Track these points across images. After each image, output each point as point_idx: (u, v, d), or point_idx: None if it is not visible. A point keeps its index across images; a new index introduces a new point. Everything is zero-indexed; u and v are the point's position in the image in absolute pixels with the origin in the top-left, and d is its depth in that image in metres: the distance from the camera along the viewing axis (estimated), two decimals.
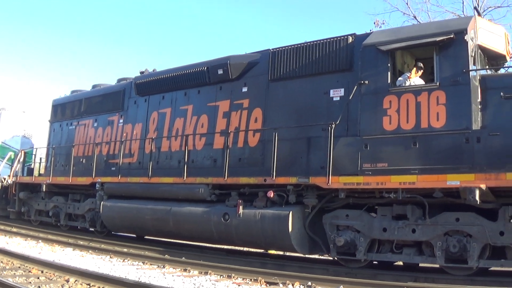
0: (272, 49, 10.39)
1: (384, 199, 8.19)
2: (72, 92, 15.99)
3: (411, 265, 8.81)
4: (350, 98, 8.61)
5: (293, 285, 7.39)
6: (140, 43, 72.55)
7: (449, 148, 7.57)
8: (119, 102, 13.68)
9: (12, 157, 16.81)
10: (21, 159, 16.30)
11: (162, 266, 8.89)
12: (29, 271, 7.70)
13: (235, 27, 71.22)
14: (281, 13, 67.48)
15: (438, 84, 7.79)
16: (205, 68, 11.42)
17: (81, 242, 11.90)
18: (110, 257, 9.88)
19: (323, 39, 9.58)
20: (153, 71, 13.44)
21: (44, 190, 14.75)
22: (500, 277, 7.54)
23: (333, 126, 8.60)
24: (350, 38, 9.19)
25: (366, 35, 9.00)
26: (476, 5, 17.98)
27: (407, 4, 19.82)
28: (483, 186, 7.11)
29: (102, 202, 12.81)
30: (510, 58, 8.97)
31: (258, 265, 9.08)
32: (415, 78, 8.20)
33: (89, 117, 14.60)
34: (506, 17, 23.22)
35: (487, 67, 8.50)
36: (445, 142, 7.61)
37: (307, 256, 10.29)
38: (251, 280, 7.80)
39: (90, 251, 10.68)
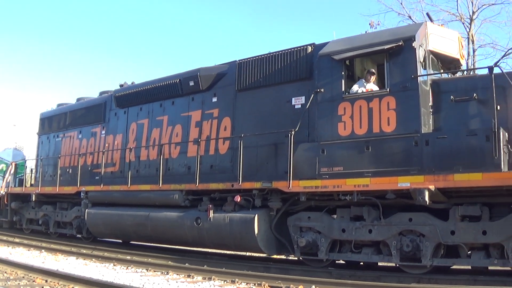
0: (239, 60, 10.40)
1: (342, 201, 8.18)
2: (58, 105, 15.97)
3: (370, 264, 8.77)
4: (308, 106, 8.61)
5: None
6: (128, 54, 72.70)
7: (399, 152, 7.58)
8: (101, 114, 13.67)
9: (4, 169, 16.76)
10: (12, 171, 16.25)
11: (165, 273, 8.64)
12: (33, 281, 7.49)
13: (231, 30, 71.26)
14: (275, 15, 67.60)
15: (388, 90, 7.80)
16: (178, 80, 11.42)
17: (84, 251, 11.62)
18: (114, 265, 9.61)
19: (285, 50, 9.60)
20: (132, 83, 13.43)
21: (33, 199, 14.72)
22: (503, 277, 7.38)
23: (293, 133, 8.60)
24: (310, 48, 9.21)
25: (324, 44, 9.00)
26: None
27: (401, 4, 19.23)
28: (432, 187, 7.11)
29: (86, 210, 12.80)
30: (463, 63, 8.93)
31: (261, 270, 8.82)
32: (370, 84, 8.18)
33: (74, 129, 14.58)
34: (500, 14, 21.97)
35: (436, 71, 8.48)
36: (395, 145, 7.62)
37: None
38: (255, 284, 7.61)
39: (93, 259, 10.36)
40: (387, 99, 7.76)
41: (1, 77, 65.58)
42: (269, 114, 9.59)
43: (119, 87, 13.66)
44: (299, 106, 9.10)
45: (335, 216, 8.58)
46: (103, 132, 13.52)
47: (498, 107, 7.08)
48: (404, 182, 7.36)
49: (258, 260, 10.48)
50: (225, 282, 7.84)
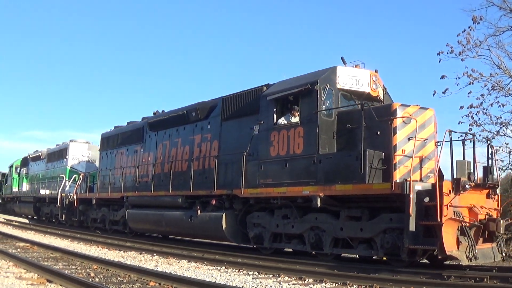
0: (223, 96, 13.90)
1: (273, 204, 11.36)
2: (115, 127, 20.56)
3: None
4: (254, 133, 11.89)
5: None
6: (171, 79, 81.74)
7: (304, 168, 10.62)
8: (141, 136, 17.88)
9: (77, 178, 21.73)
10: (81, 180, 21.18)
11: (277, 275, 8.96)
12: (147, 284, 7.66)
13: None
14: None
15: (299, 122, 10.87)
16: (185, 111, 15.21)
17: (196, 254, 12.17)
18: (225, 268, 10.00)
19: (250, 89, 12.94)
20: (162, 112, 17.50)
21: (94, 203, 19.40)
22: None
23: (245, 153, 11.93)
24: (265, 87, 12.46)
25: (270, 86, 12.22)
26: None
27: None
28: (321, 195, 10.06)
29: (127, 211, 17.06)
30: (377, 94, 11.47)
31: (372, 272, 8.99)
32: (295, 118, 11.25)
33: (123, 147, 18.98)
34: None
35: (350, 104, 11.18)
36: (302, 163, 10.66)
37: (414, 260, 9.72)
38: (366, 287, 7.79)
39: (205, 262, 10.82)
40: (298, 129, 10.83)
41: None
42: (240, 139, 12.91)
43: (152, 114, 17.82)
44: (257, 132, 12.38)
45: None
46: (142, 150, 17.71)
47: (379, 133, 9.87)
48: (306, 191, 10.40)
49: (368, 263, 10.51)
50: (337, 284, 8.08)
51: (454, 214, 8.75)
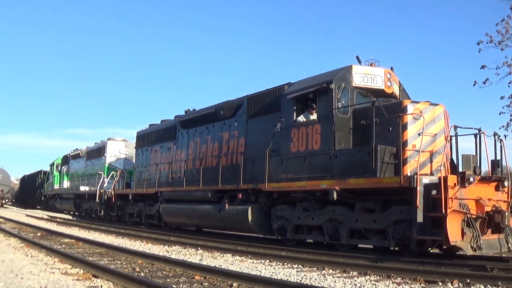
0: (248, 95, 15.06)
1: (293, 197, 12.44)
2: (150, 125, 22.09)
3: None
4: (276, 130, 12.98)
5: (451, 283, 7.59)
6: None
7: (321, 163, 11.63)
8: (173, 134, 19.28)
9: (114, 175, 23.44)
10: (118, 177, 22.86)
11: (321, 268, 9.22)
12: (192, 278, 7.85)
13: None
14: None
15: (317, 119, 11.89)
16: (214, 110, 16.46)
17: (240, 248, 12.48)
18: (269, 261, 10.26)
19: (273, 87, 14.03)
20: (193, 110, 18.81)
21: (130, 198, 21.01)
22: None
23: (268, 149, 13.04)
24: (286, 86, 13.52)
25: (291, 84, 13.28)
26: None
27: None
28: (337, 188, 11.06)
29: (161, 205, 18.52)
30: (392, 91, 12.32)
31: (416, 264, 9.23)
32: (312, 115, 12.27)
33: (157, 145, 20.45)
34: None
35: (366, 100, 12.07)
36: (320, 159, 11.68)
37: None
38: (410, 279, 7.98)
39: (249, 256, 11.11)
40: (316, 126, 11.86)
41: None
42: (264, 135, 14.03)
43: (184, 113, 19.18)
44: (279, 129, 13.47)
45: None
46: (174, 147, 19.10)
47: (390, 128, 10.78)
48: (323, 184, 11.42)
49: (410, 255, 10.36)
50: (381, 277, 8.27)
51: (460, 206, 9.56)
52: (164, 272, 8.47)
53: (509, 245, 10.24)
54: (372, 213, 10.96)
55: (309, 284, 7.53)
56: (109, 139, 26.64)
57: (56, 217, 27.51)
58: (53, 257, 10.29)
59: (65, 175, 33.28)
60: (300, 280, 7.91)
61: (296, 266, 9.64)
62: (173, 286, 7.00)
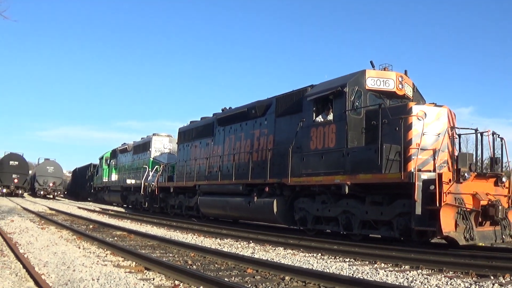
0: (277, 95, 16.99)
1: (312, 191, 14.32)
2: (191, 122, 24.43)
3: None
4: (298, 129, 14.87)
5: (503, 277, 7.78)
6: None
7: (336, 160, 13.42)
8: (211, 131, 21.50)
9: (158, 169, 26.01)
10: (161, 170, 25.41)
11: (373, 262, 9.49)
12: (244, 271, 8.08)
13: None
14: None
15: (332, 120, 13.68)
16: (246, 109, 18.51)
17: (291, 241, 12.90)
18: (321, 255, 10.55)
19: (297, 89, 15.90)
20: (229, 108, 20.94)
21: (172, 191, 23.49)
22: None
23: (291, 146, 14.95)
24: (309, 88, 15.36)
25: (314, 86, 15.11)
26: None
27: None
28: (348, 183, 12.83)
29: (199, 197, 20.84)
30: (403, 93, 13.90)
31: (468, 258, 9.59)
32: (329, 116, 14.06)
33: (197, 140, 22.75)
34: None
35: (379, 102, 13.73)
36: (334, 156, 13.47)
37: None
38: (462, 273, 8.21)
39: (301, 249, 11.49)
40: (332, 126, 13.65)
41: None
42: (289, 133, 15.93)
43: (221, 111, 21.36)
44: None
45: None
46: (212, 143, 21.32)
47: (397, 128, 12.43)
48: (337, 179, 13.20)
49: (461, 248, 11.13)
50: (433, 271, 8.55)
51: (455, 200, 11.14)
52: (216, 265, 8.78)
53: (503, 236, 11.68)
54: (380, 206, 12.67)
55: (362, 278, 7.68)
56: (154, 134, 29.30)
57: (108, 210, 29.09)
58: (105, 249, 10.71)
59: (113, 169, 36.45)
60: (353, 274, 8.12)
61: (348, 259, 9.99)
62: (225, 279, 7.11)
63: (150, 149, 29.01)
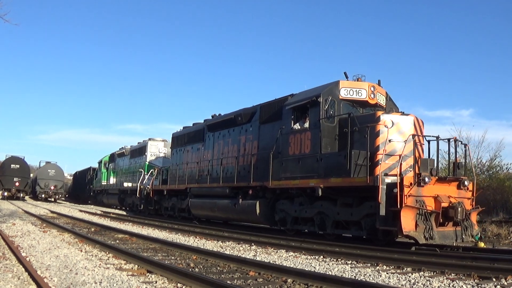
0: (261, 103, 18.07)
1: (290, 193, 15.38)
2: (184, 127, 25.52)
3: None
4: (278, 136, 15.94)
5: (505, 279, 7.86)
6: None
7: (311, 164, 14.47)
8: (202, 136, 22.59)
9: (153, 173, 27.13)
10: (156, 174, 26.52)
11: (375, 264, 9.62)
12: (247, 274, 8.15)
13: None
14: None
15: (308, 128, 14.74)
16: (233, 116, 19.59)
17: (293, 244, 13.11)
18: (323, 257, 10.69)
19: (278, 98, 16.98)
20: (218, 115, 22.03)
21: (165, 193, 24.61)
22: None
23: (272, 152, 16.02)
24: (289, 97, 16.43)
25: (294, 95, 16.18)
26: None
27: None
28: (321, 186, 13.89)
29: (190, 200, 21.95)
30: (375, 102, 14.93)
31: (469, 260, 9.74)
32: (306, 123, 15.11)
33: (189, 145, 23.86)
34: None
35: (353, 110, 14.79)
36: (310, 161, 14.52)
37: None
38: (464, 275, 8.33)
39: (303, 251, 11.65)
40: (307, 133, 14.71)
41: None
42: (271, 140, 16.99)
43: (211, 117, 22.45)
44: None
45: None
46: (202, 148, 22.41)
47: (365, 136, 13.45)
48: (311, 183, 14.27)
49: (464, 250, 11.70)
50: (435, 273, 8.68)
51: (416, 202, 12.16)
52: (218, 268, 8.84)
53: (464, 236, 12.68)
54: (350, 207, 13.72)
55: (364, 280, 7.75)
56: (150, 139, 30.48)
57: (109, 213, 29.45)
58: (107, 252, 10.78)
59: (111, 172, 37.64)
60: (355, 276, 8.17)
61: (350, 262, 10.13)
62: (228, 281, 7.14)
63: (146, 153, 30.16)
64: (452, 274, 8.55)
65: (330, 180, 13.74)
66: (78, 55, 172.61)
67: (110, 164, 38.55)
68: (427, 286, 7.54)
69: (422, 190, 12.31)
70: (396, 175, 12.68)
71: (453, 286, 7.59)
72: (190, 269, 8.51)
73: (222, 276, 7.99)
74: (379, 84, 15.35)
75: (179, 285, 7.23)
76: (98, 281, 7.34)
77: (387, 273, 8.60)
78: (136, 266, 8.93)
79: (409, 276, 8.29)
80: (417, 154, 13.57)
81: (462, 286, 7.56)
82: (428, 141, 13.95)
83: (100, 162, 41.19)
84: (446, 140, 13.60)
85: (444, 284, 7.68)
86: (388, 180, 12.47)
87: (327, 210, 14.30)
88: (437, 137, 13.09)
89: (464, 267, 8.93)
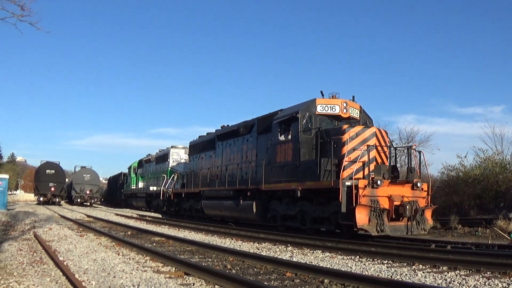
0: (258, 117, 21.38)
1: (278, 195, 18.65)
2: (199, 136, 29.06)
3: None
4: (269, 146, 19.22)
5: None
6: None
7: (292, 170, 17.66)
8: (213, 145, 26.08)
9: (175, 177, 30.77)
10: (176, 178, 30.15)
11: (411, 264, 9.72)
12: (283, 275, 8.26)
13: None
14: None
15: (290, 139, 17.96)
16: (237, 128, 22.98)
17: (329, 244, 13.40)
18: (359, 257, 10.79)
19: (270, 113, 20.25)
20: (227, 126, 25.46)
21: (183, 196, 28.24)
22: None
23: (264, 160, 19.31)
24: (279, 112, 19.67)
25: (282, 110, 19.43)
26: None
27: None
28: (300, 188, 17.07)
29: (202, 201, 25.48)
30: (348, 115, 17.99)
31: (504, 258, 9.82)
32: (289, 135, 18.31)
33: (203, 153, 27.39)
34: None
35: (328, 124, 17.88)
36: (291, 167, 17.72)
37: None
38: (499, 273, 8.38)
39: (339, 252, 11.79)
40: (290, 144, 17.91)
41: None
42: (265, 149, 20.28)
43: (220, 128, 25.90)
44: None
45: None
46: (214, 155, 25.88)
47: (335, 145, 16.56)
48: (292, 186, 17.47)
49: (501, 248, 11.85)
50: (471, 271, 8.70)
51: (371, 201, 15.16)
52: (255, 269, 8.99)
53: (413, 229, 15.60)
54: (322, 206, 16.86)
55: (400, 279, 7.82)
56: (172, 146, 34.27)
57: (145, 216, 30.42)
58: (144, 255, 11.00)
59: (139, 177, 41.62)
60: (391, 276, 8.25)
61: (386, 261, 10.23)
62: (265, 283, 7.23)
63: (168, 160, 33.89)
64: (488, 273, 8.70)
65: (306, 183, 16.90)
66: (111, 61, 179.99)
67: (138, 170, 42.56)
68: (463, 285, 7.63)
69: (377, 191, 15.31)
70: (360, 179, 15.78)
71: (488, 284, 7.68)
72: (227, 271, 8.69)
73: (259, 277, 8.17)
74: (353, 99, 18.40)
75: (216, 287, 7.40)
76: (136, 284, 7.46)
77: (423, 272, 8.79)
78: (174, 268, 9.07)
79: (445, 275, 8.44)
80: (379, 160, 16.59)
81: (497, 284, 7.68)
82: (395, 148, 16.89)
83: (129, 168, 45.28)
84: (405, 148, 16.59)
85: (480, 283, 7.76)
86: (348, 183, 15.51)
87: (306, 208, 17.47)
88: (394, 147, 16.14)
89: (499, 265, 9.09)
